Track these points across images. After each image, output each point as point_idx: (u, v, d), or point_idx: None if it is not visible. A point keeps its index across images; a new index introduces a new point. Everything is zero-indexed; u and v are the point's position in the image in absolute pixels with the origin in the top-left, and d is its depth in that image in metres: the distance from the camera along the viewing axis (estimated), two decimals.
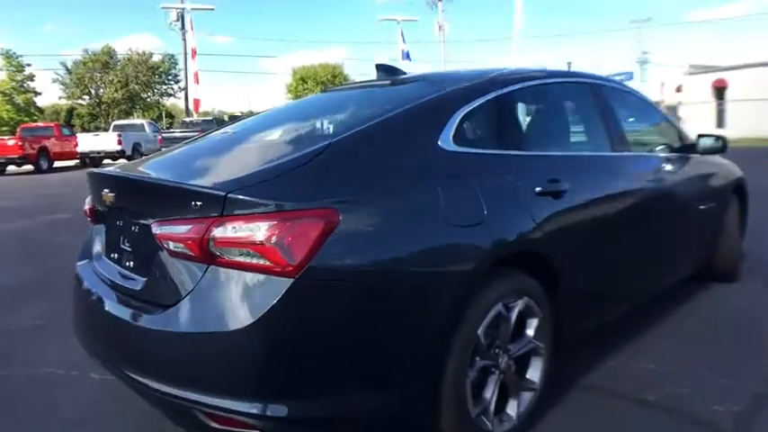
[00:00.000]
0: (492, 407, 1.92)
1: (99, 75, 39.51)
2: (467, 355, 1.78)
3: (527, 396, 2.08)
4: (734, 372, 2.52)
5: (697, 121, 26.09)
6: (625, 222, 2.58)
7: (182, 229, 1.57)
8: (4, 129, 38.13)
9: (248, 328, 1.45)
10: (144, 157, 2.66)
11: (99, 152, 20.66)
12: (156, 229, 1.64)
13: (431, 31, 42.36)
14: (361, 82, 3.09)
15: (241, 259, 1.49)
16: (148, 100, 43.20)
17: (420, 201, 1.74)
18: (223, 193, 1.52)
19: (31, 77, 42.46)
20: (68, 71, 40.07)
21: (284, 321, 1.47)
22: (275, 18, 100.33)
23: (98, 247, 2.15)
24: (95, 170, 2.16)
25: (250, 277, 1.49)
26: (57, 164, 20.64)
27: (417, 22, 39.46)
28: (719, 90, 26.26)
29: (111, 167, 2.41)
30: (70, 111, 47.29)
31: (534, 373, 2.11)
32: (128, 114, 39.15)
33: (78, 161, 21.60)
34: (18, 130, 22.62)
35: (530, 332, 2.06)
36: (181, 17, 32.13)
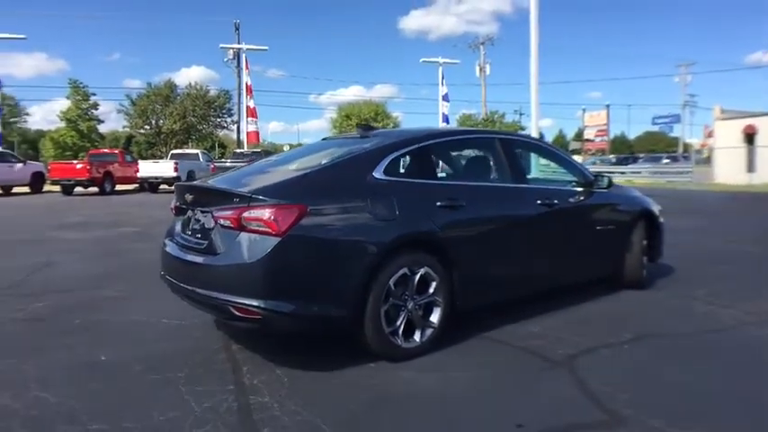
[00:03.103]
0: (400, 330, 3.22)
1: (160, 107, 42.71)
2: (381, 294, 3.10)
3: (429, 331, 3.37)
4: (588, 336, 3.71)
5: (728, 166, 26.59)
6: (511, 231, 3.86)
7: (228, 213, 3.00)
8: (68, 153, 41.43)
9: (257, 261, 2.85)
10: (210, 176, 4.18)
11: (157, 178, 22.77)
12: (216, 213, 3.08)
13: (473, 72, 43.98)
14: (346, 135, 4.56)
15: (256, 227, 2.90)
16: (203, 131, 46.01)
17: (357, 204, 3.12)
18: (249, 194, 2.95)
19: (95, 106, 46.04)
20: (133, 103, 43.44)
21: (275, 258, 2.85)
22: (327, 56, 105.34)
23: (177, 228, 3.61)
24: (181, 183, 3.66)
25: (260, 237, 2.89)
26: (118, 187, 22.90)
27: (460, 65, 41.40)
28: (749, 136, 26.68)
29: (192, 182, 3.92)
30: (129, 138, 50.83)
31: (434, 317, 3.40)
32: (183, 144, 41.93)
33: (138, 185, 23.84)
34: (86, 155, 25.13)
35: (431, 290, 3.36)
36: (237, 56, 35.01)
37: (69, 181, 21.21)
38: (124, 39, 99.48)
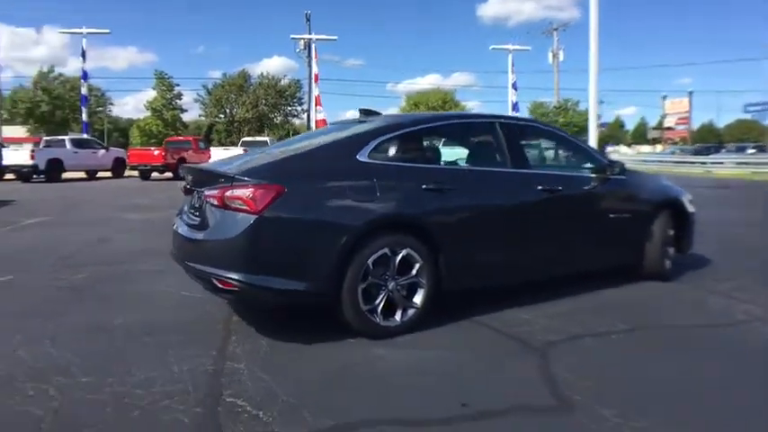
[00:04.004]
0: (379, 309, 3.33)
1: (234, 96, 44.54)
2: (359, 273, 3.22)
3: (411, 311, 3.46)
4: (580, 325, 3.65)
5: None
6: (504, 216, 3.84)
7: (215, 192, 3.23)
8: (153, 141, 44.12)
9: (235, 236, 3.07)
10: (213, 159, 4.46)
11: None
12: (206, 192, 3.32)
13: (545, 60, 42.80)
14: (348, 119, 4.70)
15: (237, 206, 3.11)
16: (275, 120, 47.55)
17: (336, 186, 3.25)
18: (232, 174, 3.17)
19: (179, 96, 48.64)
20: (208, 92, 45.56)
21: (252, 234, 3.05)
22: (405, 45, 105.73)
23: (185, 207, 3.89)
24: (186, 165, 3.94)
25: (240, 215, 3.10)
26: None
27: (538, 51, 40.33)
28: None
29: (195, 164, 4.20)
30: (210, 127, 53.41)
31: (417, 298, 3.48)
32: (259, 132, 43.64)
33: None
34: (164, 142, 26.72)
35: (413, 272, 3.44)
36: (308, 46, 35.79)
37: (146, 166, 22.61)
38: (209, 31, 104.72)
